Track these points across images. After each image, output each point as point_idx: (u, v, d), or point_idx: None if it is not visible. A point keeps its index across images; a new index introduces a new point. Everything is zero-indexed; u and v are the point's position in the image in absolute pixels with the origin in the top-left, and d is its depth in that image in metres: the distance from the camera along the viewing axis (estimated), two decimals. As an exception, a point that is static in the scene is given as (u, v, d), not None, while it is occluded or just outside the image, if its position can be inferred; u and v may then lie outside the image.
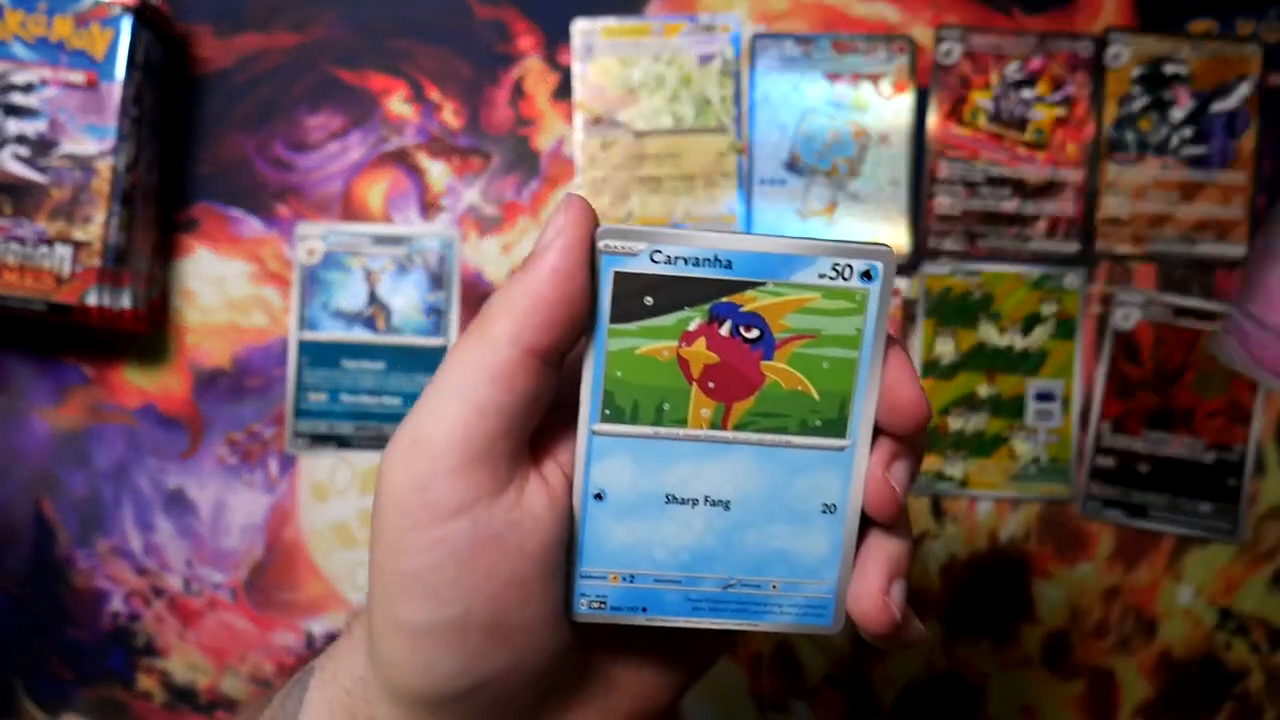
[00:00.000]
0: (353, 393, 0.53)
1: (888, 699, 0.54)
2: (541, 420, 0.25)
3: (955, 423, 0.53)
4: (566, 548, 0.26)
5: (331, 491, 0.53)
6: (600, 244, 0.24)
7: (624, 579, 0.26)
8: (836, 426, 0.26)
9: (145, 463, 0.53)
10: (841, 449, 0.26)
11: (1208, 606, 0.53)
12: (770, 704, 0.54)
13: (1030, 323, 0.53)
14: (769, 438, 0.26)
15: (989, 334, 0.53)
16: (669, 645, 0.29)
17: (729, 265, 0.24)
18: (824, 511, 0.26)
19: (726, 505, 0.26)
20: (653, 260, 0.24)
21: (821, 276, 0.25)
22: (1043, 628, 0.54)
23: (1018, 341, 0.53)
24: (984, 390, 0.53)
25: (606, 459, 0.25)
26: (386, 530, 0.24)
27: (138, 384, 0.53)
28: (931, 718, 0.54)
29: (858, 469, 0.26)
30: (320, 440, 0.53)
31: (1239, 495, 0.53)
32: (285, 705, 0.28)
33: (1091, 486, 0.53)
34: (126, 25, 0.47)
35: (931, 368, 0.53)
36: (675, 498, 0.26)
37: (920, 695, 0.54)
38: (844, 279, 0.25)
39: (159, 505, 0.53)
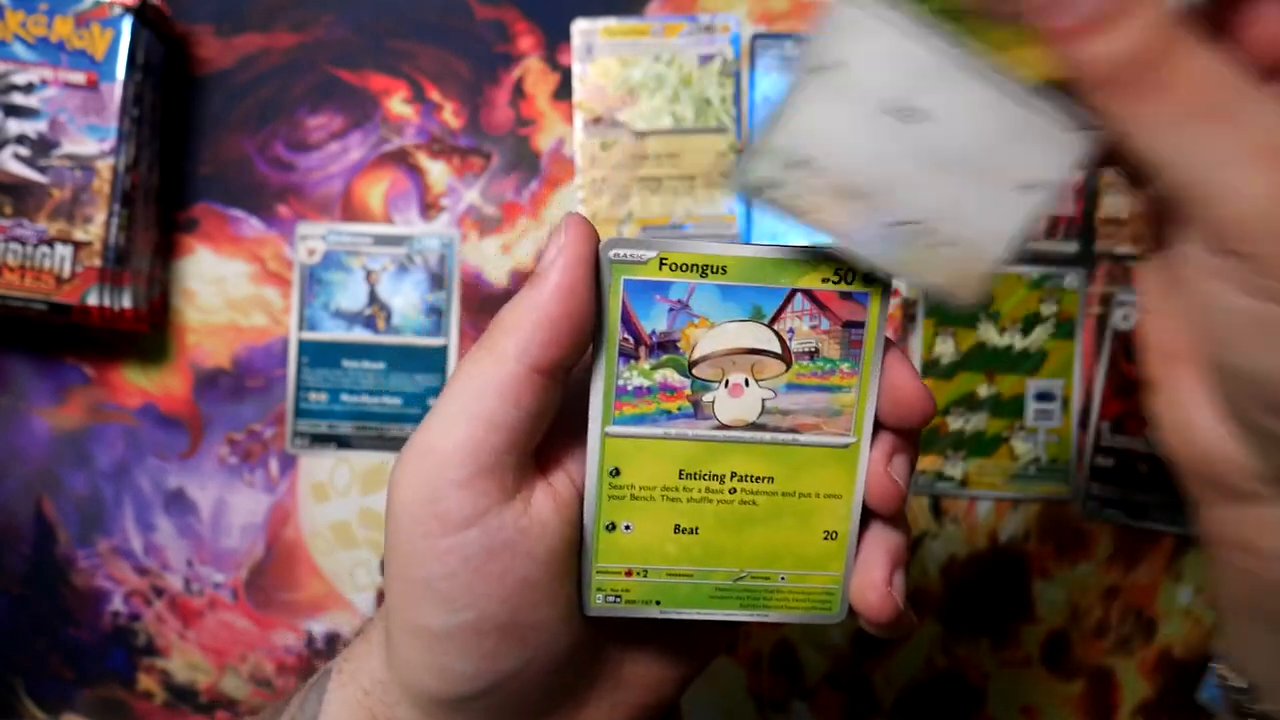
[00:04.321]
0: (353, 393, 0.53)
1: (888, 699, 0.54)
2: (547, 431, 0.26)
3: (955, 423, 0.53)
4: (576, 551, 0.26)
5: (331, 491, 0.53)
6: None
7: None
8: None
9: (146, 462, 0.53)
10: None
11: (1207, 606, 0.53)
12: (770, 704, 0.54)
13: (1030, 323, 0.53)
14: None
15: (989, 334, 0.53)
16: (675, 639, 0.30)
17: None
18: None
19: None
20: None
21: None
22: (1042, 627, 0.54)
23: (1017, 341, 0.53)
24: (984, 390, 0.53)
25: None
26: (400, 539, 0.25)
27: (138, 384, 0.53)
28: (931, 718, 0.54)
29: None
30: (320, 440, 0.53)
31: (1239, 495, 0.53)
32: (304, 708, 0.29)
33: (1091, 486, 0.53)
34: (127, 26, 0.47)
35: (931, 368, 0.53)
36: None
37: (920, 695, 0.54)
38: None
39: (159, 505, 0.53)
